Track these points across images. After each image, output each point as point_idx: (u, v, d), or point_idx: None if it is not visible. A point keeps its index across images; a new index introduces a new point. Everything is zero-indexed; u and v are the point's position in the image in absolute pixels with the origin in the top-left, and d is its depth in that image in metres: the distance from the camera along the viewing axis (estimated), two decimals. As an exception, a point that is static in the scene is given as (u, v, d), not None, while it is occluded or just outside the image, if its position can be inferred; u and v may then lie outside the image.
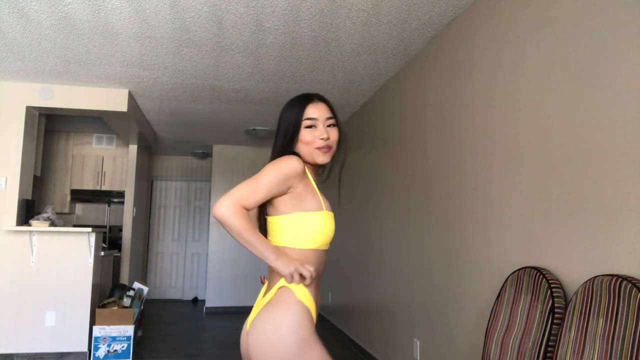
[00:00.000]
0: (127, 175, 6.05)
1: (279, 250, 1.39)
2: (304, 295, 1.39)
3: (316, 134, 1.49)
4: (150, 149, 7.11)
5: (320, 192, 1.51)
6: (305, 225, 1.42)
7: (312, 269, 1.39)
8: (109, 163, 6.46)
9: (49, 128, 5.85)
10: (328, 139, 1.50)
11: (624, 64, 1.61)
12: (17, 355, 3.94)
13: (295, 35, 3.06)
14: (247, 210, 1.36)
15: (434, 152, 3.04)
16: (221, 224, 1.32)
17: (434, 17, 2.77)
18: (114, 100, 4.24)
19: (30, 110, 4.24)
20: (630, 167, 1.56)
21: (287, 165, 1.41)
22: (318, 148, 1.49)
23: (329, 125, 1.52)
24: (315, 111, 1.52)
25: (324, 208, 1.46)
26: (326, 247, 1.48)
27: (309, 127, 1.50)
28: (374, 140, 4.27)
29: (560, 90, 1.91)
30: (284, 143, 1.51)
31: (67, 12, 2.80)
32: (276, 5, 2.67)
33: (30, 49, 3.39)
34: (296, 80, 3.93)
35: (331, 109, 1.55)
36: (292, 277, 1.35)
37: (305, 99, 1.53)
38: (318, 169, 1.58)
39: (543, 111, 2.00)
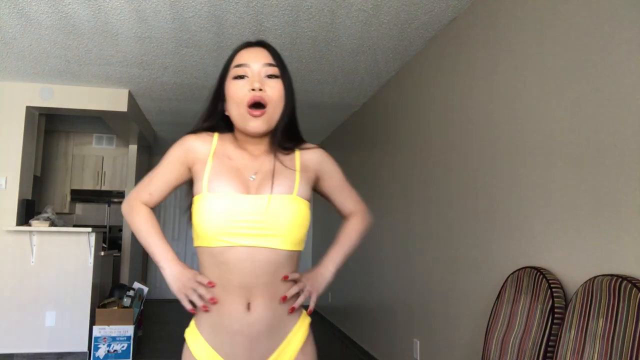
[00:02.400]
0: (127, 175, 6.05)
1: (173, 258, 1.10)
2: (190, 329, 1.10)
3: (247, 86, 1.07)
4: (150, 149, 7.11)
5: (228, 168, 1.09)
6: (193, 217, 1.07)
7: (204, 281, 1.03)
8: (109, 163, 6.46)
9: (49, 128, 5.85)
10: (260, 89, 1.06)
11: (624, 64, 1.61)
12: (17, 355, 3.94)
13: (295, 35, 3.06)
14: (149, 205, 1.16)
15: (434, 152, 3.04)
16: None
17: (434, 17, 2.77)
18: (114, 100, 4.24)
19: (30, 110, 4.24)
20: (631, 167, 1.56)
21: (177, 143, 1.15)
22: (249, 107, 1.06)
23: (269, 76, 1.09)
24: (249, 55, 1.10)
25: (204, 189, 1.05)
26: (223, 242, 1.01)
27: (239, 77, 1.08)
28: (374, 140, 4.27)
29: (560, 89, 1.91)
30: (208, 108, 1.16)
31: (67, 12, 2.80)
32: (276, 5, 2.67)
33: (30, 49, 3.39)
34: (296, 80, 3.90)
35: (274, 55, 1.12)
36: (183, 299, 1.06)
37: (240, 45, 1.15)
38: (273, 141, 1.13)
39: (543, 111, 2.00)
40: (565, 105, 1.88)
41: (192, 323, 1.11)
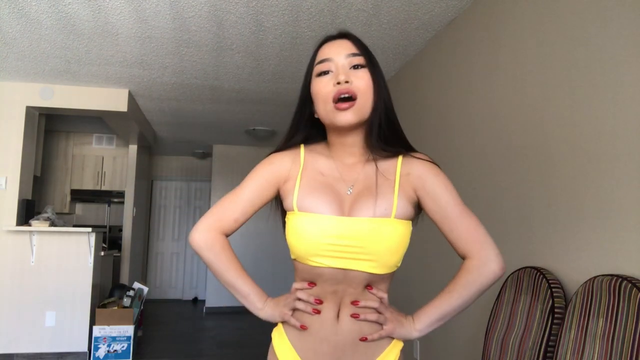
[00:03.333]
0: (127, 175, 6.05)
1: (264, 296, 1.07)
2: (278, 330, 1.08)
3: (332, 81, 0.99)
4: (150, 149, 7.11)
5: (316, 182, 1.03)
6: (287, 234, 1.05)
7: (303, 286, 1.02)
8: (109, 163, 6.46)
9: (49, 128, 5.85)
10: (347, 82, 0.97)
11: (624, 64, 1.61)
12: (17, 355, 3.94)
13: (295, 35, 3.06)
14: (229, 232, 1.07)
15: (433, 152, 3.03)
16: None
17: (434, 17, 2.77)
18: (114, 100, 4.24)
19: (30, 110, 4.24)
20: (631, 167, 1.56)
21: (263, 162, 1.09)
22: (335, 102, 0.97)
23: (354, 67, 1.00)
24: (330, 49, 1.02)
25: (295, 207, 1.01)
26: (314, 263, 0.99)
27: (323, 73, 1.01)
28: (374, 140, 4.26)
29: (559, 89, 1.91)
30: (296, 113, 1.08)
31: (67, 12, 2.80)
32: (276, 5, 2.67)
33: (30, 49, 3.39)
34: (296, 80, 3.93)
35: (357, 44, 1.03)
36: (289, 320, 1.03)
37: (322, 40, 1.07)
38: (369, 136, 1.03)
39: (543, 111, 2.00)
40: (565, 105, 1.88)
41: (280, 323, 1.08)
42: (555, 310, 1.76)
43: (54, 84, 4.17)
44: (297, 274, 1.05)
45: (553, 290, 1.80)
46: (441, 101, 2.96)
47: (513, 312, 2.00)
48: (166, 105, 4.77)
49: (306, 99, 1.05)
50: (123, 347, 4.07)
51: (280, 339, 1.06)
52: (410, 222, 1.02)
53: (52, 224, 4.07)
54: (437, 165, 1.06)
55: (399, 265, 1.01)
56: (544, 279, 1.85)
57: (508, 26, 2.28)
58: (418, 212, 1.07)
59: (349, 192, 1.01)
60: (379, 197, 0.99)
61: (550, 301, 1.79)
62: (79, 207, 6.72)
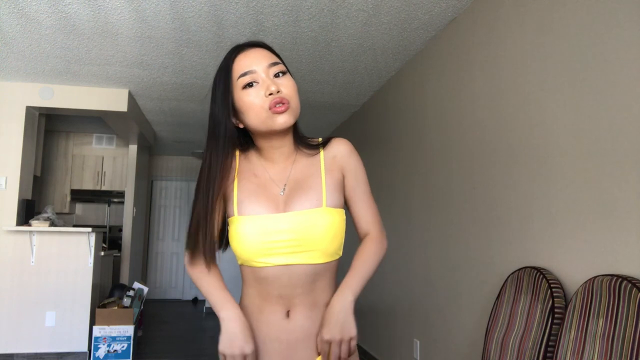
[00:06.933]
0: (127, 175, 6.05)
1: (231, 308, 1.03)
2: None
3: (261, 92, 1.02)
4: (150, 149, 7.11)
5: (253, 186, 1.07)
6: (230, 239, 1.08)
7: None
8: (109, 163, 6.46)
9: (49, 128, 5.85)
10: (278, 91, 1.02)
11: (624, 64, 1.61)
12: (17, 355, 3.94)
13: (295, 35, 3.06)
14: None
15: (433, 152, 3.04)
16: None
17: (434, 17, 2.77)
18: (114, 100, 4.24)
19: (30, 110, 4.24)
20: (630, 167, 1.56)
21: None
22: (271, 109, 1.01)
23: (276, 75, 1.04)
24: (250, 60, 1.04)
25: (235, 212, 1.04)
26: (260, 264, 1.02)
27: (248, 86, 1.03)
28: (374, 140, 4.27)
29: (560, 89, 1.91)
30: (222, 127, 1.08)
31: (67, 12, 2.80)
32: (276, 5, 2.67)
33: (30, 49, 3.39)
34: (296, 80, 3.93)
35: (273, 52, 1.09)
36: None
37: (233, 51, 1.08)
38: (297, 139, 1.11)
39: (543, 111, 2.00)
40: (565, 106, 1.88)
41: None
42: (555, 310, 1.76)
43: (54, 84, 4.17)
44: (244, 280, 1.08)
45: (553, 290, 1.80)
46: (441, 101, 2.96)
47: (513, 312, 2.00)
48: (166, 105, 4.77)
49: (227, 114, 1.07)
50: (123, 347, 4.07)
51: None
52: (343, 210, 1.08)
53: (52, 224, 4.07)
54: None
55: (340, 253, 1.06)
56: (544, 279, 1.85)
57: (508, 26, 2.28)
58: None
59: (281, 194, 1.06)
60: (310, 191, 1.05)
61: (550, 301, 1.79)
62: (79, 207, 6.72)
